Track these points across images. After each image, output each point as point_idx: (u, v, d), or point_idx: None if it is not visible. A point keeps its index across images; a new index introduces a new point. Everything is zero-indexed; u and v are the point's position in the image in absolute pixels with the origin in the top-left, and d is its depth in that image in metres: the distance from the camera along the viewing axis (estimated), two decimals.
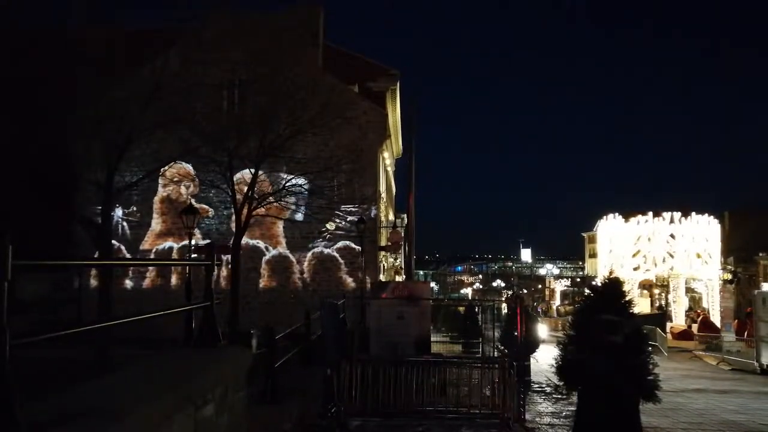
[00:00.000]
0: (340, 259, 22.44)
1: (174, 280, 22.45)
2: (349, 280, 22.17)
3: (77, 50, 12.85)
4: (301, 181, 18.12)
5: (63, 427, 2.30)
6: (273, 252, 22.58)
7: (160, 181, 21.69)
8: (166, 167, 17.77)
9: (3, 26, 13.23)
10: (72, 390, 2.88)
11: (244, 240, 18.40)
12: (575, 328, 9.07)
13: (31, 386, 2.72)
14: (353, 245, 21.92)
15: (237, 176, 17.09)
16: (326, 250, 22.47)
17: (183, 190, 22.19)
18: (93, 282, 20.64)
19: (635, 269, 35.32)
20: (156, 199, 22.86)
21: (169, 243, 22.83)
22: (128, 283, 22.42)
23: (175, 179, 21.11)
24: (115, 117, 13.52)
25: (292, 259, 22.52)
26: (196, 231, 18.93)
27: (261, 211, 17.80)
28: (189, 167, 20.76)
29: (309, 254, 22.48)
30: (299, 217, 21.08)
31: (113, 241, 21.87)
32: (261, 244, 22.49)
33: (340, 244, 22.36)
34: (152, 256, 22.76)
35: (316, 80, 18.28)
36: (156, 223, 22.97)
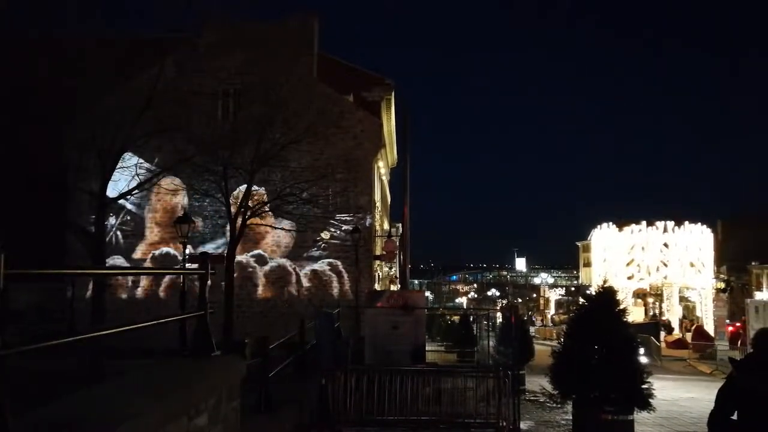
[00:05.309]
0: (334, 268, 22.40)
1: (168, 289, 22.32)
2: (344, 289, 22.12)
3: (72, 58, 12.86)
4: (295, 190, 18.09)
5: None
6: (268, 261, 22.52)
7: (154, 190, 21.61)
8: (160, 177, 17.74)
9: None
10: (64, 400, 2.86)
11: (239, 250, 18.34)
12: (570, 337, 9.11)
13: (22, 396, 2.70)
14: (343, 263, 21.97)
15: (234, 190, 17.10)
16: (321, 260, 22.42)
17: (177, 199, 22.12)
18: (86, 292, 20.52)
19: (629, 278, 35.42)
20: (150, 208, 22.79)
21: (163, 250, 22.73)
22: (122, 293, 22.29)
23: (170, 188, 21.05)
24: (110, 125, 13.50)
25: (287, 268, 22.46)
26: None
27: (256, 220, 17.77)
28: (180, 182, 20.66)
29: (304, 264, 22.44)
30: (294, 226, 21.05)
31: (118, 256, 21.82)
32: (256, 254, 22.43)
33: (335, 255, 22.33)
34: (146, 265, 22.68)
35: (310, 89, 18.35)
36: (149, 233, 22.89)
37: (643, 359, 21.06)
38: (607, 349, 8.24)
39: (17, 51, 12.77)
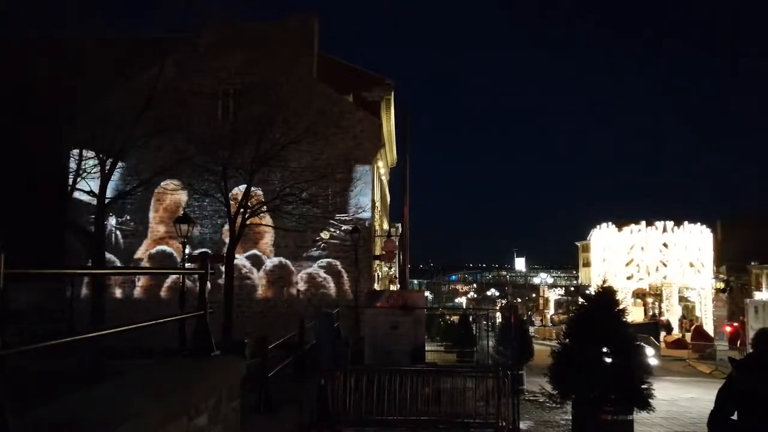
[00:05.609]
0: (334, 268, 22.40)
1: (169, 289, 22.32)
2: (344, 289, 22.13)
3: (72, 58, 12.86)
4: (295, 190, 18.10)
5: None
6: (267, 261, 22.52)
7: (154, 190, 21.60)
8: (159, 177, 17.73)
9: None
10: (64, 400, 2.87)
11: (238, 250, 18.33)
12: (570, 337, 9.12)
13: (22, 396, 2.71)
14: (342, 263, 21.97)
15: (233, 190, 17.08)
16: (321, 260, 22.43)
17: (177, 198, 22.10)
18: (85, 291, 20.51)
19: (629, 278, 35.44)
20: (150, 208, 22.79)
21: (159, 248, 22.72)
22: (120, 293, 22.29)
23: (169, 188, 21.05)
24: (110, 125, 13.50)
25: (286, 268, 22.46)
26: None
27: (255, 220, 17.76)
28: (178, 182, 20.62)
29: (304, 264, 22.44)
30: (293, 226, 21.07)
31: (114, 258, 21.80)
32: (255, 254, 22.43)
33: (334, 254, 22.33)
34: (144, 264, 22.68)
35: (310, 89, 18.35)
36: (149, 232, 22.88)
37: (653, 361, 21.09)
38: (607, 349, 8.24)
39: (17, 51, 12.77)
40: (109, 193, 14.56)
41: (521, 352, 13.81)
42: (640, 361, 8.72)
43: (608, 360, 8.18)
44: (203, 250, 20.81)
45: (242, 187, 16.75)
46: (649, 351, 22.01)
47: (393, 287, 29.72)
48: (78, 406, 2.81)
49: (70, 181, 14.22)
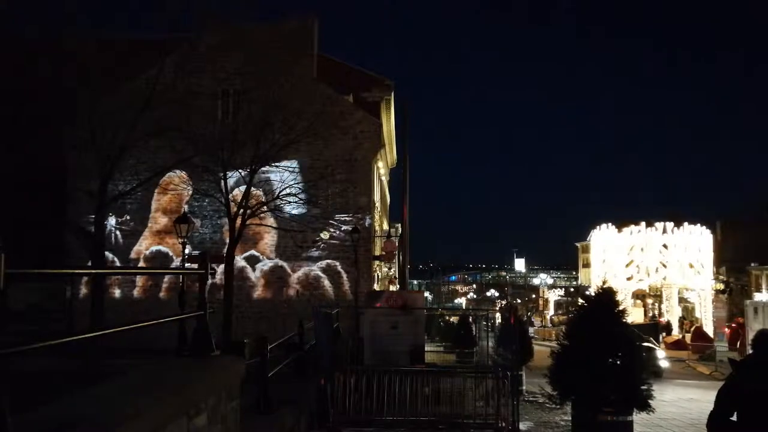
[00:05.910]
0: (333, 269, 22.39)
1: (168, 290, 22.30)
2: (344, 289, 22.12)
3: (72, 59, 12.87)
4: (295, 190, 18.11)
5: None
6: (267, 262, 22.52)
7: (155, 190, 21.59)
8: (159, 176, 17.74)
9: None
10: (63, 400, 2.87)
11: (238, 250, 18.34)
12: (569, 338, 9.11)
13: (21, 396, 2.70)
14: (342, 263, 21.96)
15: (233, 191, 17.09)
16: (320, 261, 22.42)
17: (177, 198, 22.09)
18: (84, 291, 20.49)
19: (628, 279, 35.44)
20: (150, 207, 22.78)
21: (154, 249, 22.71)
22: (119, 293, 22.27)
23: (170, 188, 21.05)
24: (109, 126, 13.52)
25: (286, 268, 22.45)
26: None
27: (255, 220, 17.77)
28: (183, 174, 20.60)
29: (303, 264, 22.43)
30: (293, 226, 21.06)
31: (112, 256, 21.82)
32: (254, 254, 22.43)
33: (334, 255, 22.33)
34: (142, 264, 22.67)
35: (310, 90, 18.36)
36: (149, 232, 22.87)
37: (664, 363, 20.95)
38: (607, 349, 8.24)
39: (18, 52, 12.79)
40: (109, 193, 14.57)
41: (521, 353, 13.80)
42: (641, 362, 8.72)
43: (608, 361, 8.18)
44: (203, 251, 20.79)
45: (242, 188, 16.75)
46: (660, 353, 22.01)
47: (393, 287, 29.70)
48: (78, 406, 2.80)
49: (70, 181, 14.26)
